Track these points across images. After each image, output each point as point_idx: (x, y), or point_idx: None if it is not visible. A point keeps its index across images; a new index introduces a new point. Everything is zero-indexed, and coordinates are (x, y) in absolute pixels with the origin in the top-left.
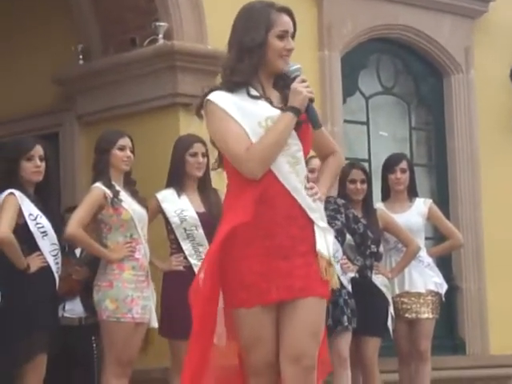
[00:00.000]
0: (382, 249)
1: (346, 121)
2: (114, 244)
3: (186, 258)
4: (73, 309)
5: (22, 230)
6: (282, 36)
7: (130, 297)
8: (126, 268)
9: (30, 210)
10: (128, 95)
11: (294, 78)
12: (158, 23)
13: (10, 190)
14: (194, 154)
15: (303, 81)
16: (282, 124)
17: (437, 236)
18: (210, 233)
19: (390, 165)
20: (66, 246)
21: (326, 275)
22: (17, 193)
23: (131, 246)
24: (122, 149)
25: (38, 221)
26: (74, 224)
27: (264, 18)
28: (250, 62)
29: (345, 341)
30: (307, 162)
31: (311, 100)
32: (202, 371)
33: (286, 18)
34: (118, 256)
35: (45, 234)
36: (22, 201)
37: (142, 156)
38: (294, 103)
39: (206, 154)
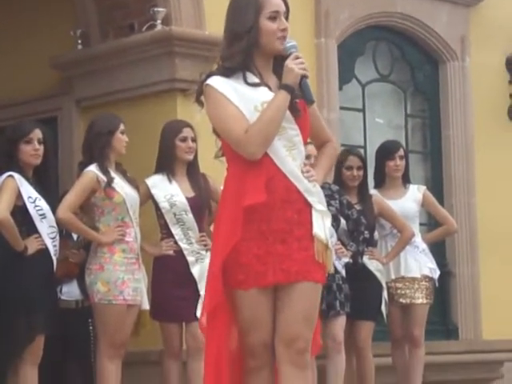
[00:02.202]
0: (376, 235)
1: (342, 108)
2: (106, 227)
3: (176, 242)
4: (69, 291)
5: (20, 212)
6: (273, 17)
7: (121, 279)
8: (116, 251)
9: (29, 192)
10: (126, 80)
11: (289, 55)
12: (156, 9)
13: (9, 173)
14: (184, 139)
15: (296, 57)
16: (275, 102)
17: (431, 222)
18: (199, 217)
19: (389, 152)
20: (64, 229)
21: (322, 259)
22: (16, 175)
23: (122, 229)
24: (123, 133)
25: (36, 203)
26: (64, 208)
27: (252, 1)
28: (240, 47)
29: (339, 325)
30: None
31: (305, 76)
32: (221, 353)
33: None
34: (108, 239)
35: (43, 216)
36: (21, 183)
37: (140, 141)
38: (286, 81)
39: (194, 139)
